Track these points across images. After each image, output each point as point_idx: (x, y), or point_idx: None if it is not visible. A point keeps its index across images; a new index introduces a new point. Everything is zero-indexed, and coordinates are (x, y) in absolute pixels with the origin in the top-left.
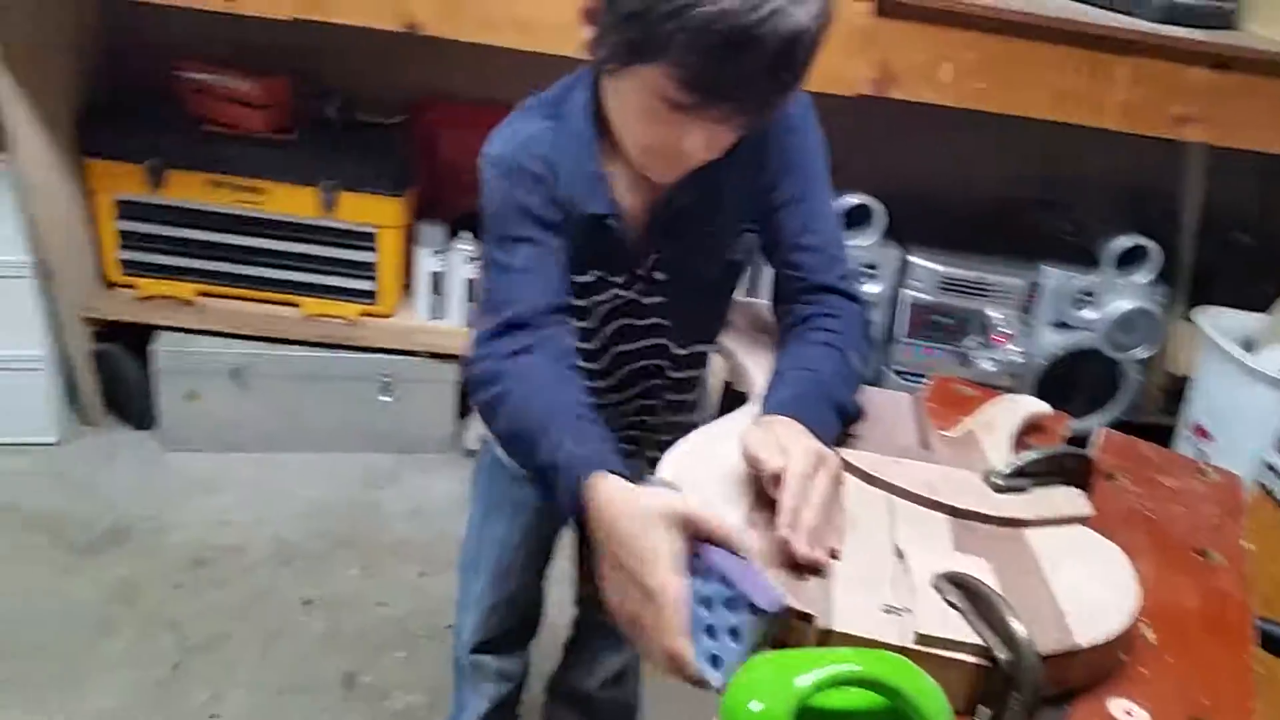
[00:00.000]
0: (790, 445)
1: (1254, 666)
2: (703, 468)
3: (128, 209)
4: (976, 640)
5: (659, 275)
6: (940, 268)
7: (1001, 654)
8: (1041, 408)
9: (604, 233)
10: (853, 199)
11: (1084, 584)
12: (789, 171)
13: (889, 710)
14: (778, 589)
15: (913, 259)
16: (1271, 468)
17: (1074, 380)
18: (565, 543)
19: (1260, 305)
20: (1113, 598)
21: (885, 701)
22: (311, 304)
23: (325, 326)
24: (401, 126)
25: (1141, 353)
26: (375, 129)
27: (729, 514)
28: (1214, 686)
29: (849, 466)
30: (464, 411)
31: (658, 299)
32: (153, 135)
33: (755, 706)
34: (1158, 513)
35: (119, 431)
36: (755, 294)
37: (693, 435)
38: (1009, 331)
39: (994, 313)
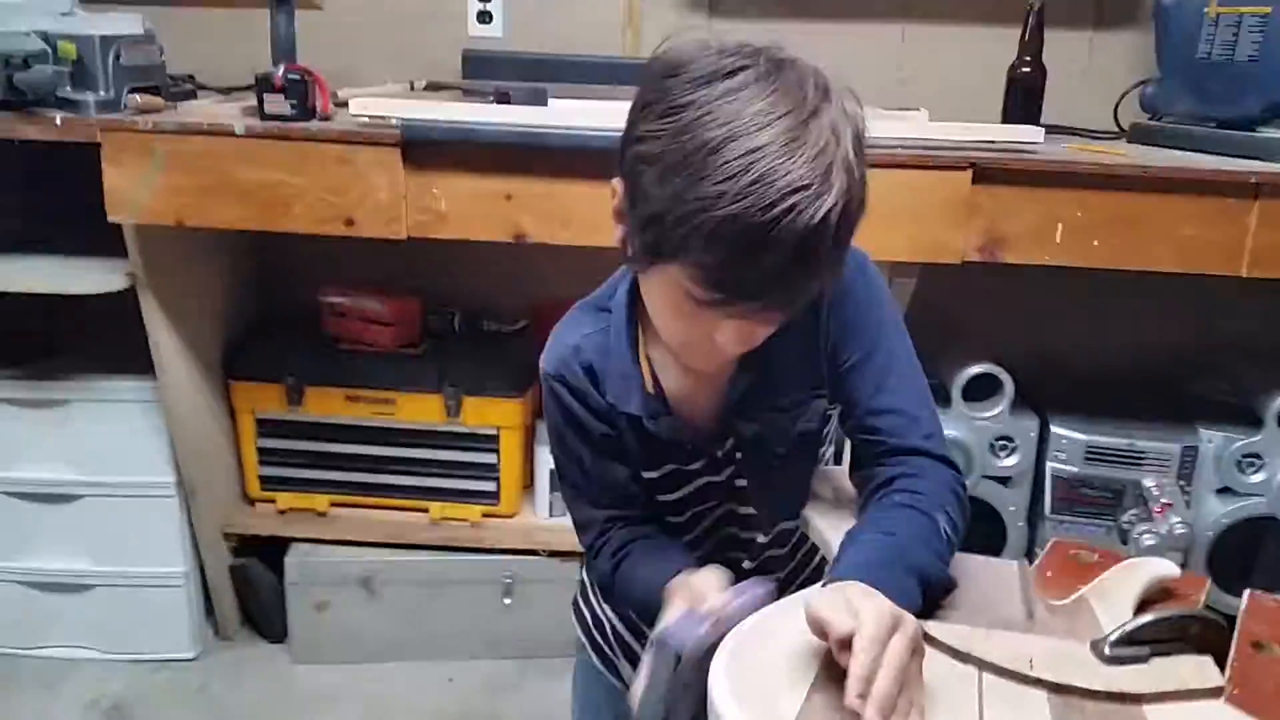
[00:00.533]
0: (862, 607)
1: None
2: (763, 646)
3: (268, 427)
4: None
5: (738, 455)
6: (1084, 436)
7: None
8: (1170, 569)
9: (660, 427)
10: (976, 369)
11: None
12: (852, 334)
13: None
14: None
15: (1054, 429)
16: None
17: (1250, 555)
18: None
19: None
20: None
21: None
22: (437, 508)
23: (450, 530)
24: (522, 332)
25: None
26: (497, 336)
27: (791, 699)
28: None
29: (932, 641)
30: None
31: (740, 481)
32: (293, 356)
33: None
34: None
35: (253, 645)
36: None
37: (760, 612)
38: (1168, 501)
39: (1150, 482)
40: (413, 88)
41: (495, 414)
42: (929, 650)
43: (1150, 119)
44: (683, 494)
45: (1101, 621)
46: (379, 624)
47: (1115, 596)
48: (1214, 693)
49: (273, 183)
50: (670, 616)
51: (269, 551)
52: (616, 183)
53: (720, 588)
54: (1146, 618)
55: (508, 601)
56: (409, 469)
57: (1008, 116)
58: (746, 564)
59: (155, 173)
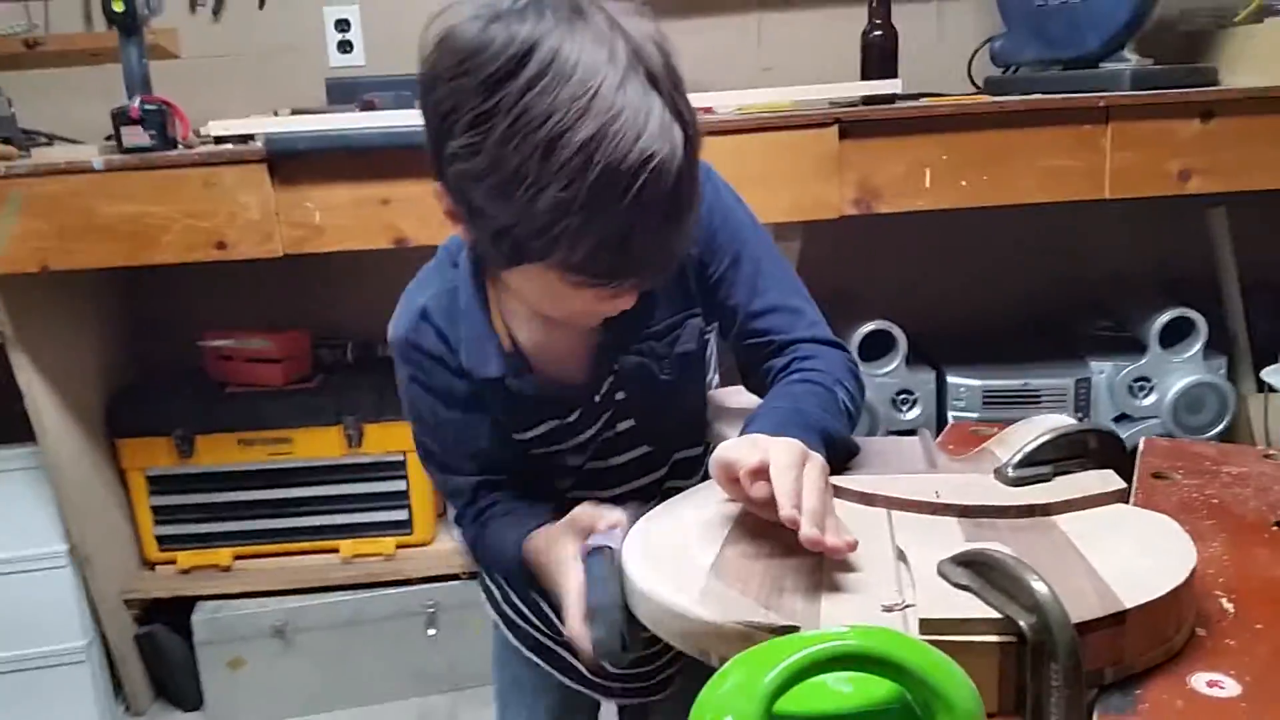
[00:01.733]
0: (769, 444)
1: None
2: (673, 522)
3: (160, 483)
4: (993, 614)
5: (619, 394)
6: (979, 382)
7: (1024, 621)
8: (1065, 421)
9: (520, 390)
10: (869, 326)
11: (1129, 555)
12: (715, 244)
13: (901, 705)
14: (614, 536)
15: (950, 378)
16: None
17: None
18: None
19: None
20: (1164, 561)
21: (896, 689)
22: (348, 546)
23: (364, 566)
24: None
25: (1215, 429)
26: (393, 362)
27: (705, 554)
28: None
29: (840, 491)
30: None
31: (628, 421)
32: (179, 406)
33: None
34: (1221, 497)
35: (168, 716)
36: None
37: (666, 501)
38: None
39: None
40: (276, 114)
41: (399, 438)
42: (836, 501)
43: (1002, 72)
44: (565, 448)
45: (1002, 461)
46: (299, 675)
47: (1013, 442)
48: (1118, 496)
49: (137, 215)
50: (572, 554)
51: (175, 614)
52: (439, 188)
53: (602, 512)
54: (1045, 436)
55: (433, 633)
56: (314, 508)
57: (866, 79)
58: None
59: (11, 219)
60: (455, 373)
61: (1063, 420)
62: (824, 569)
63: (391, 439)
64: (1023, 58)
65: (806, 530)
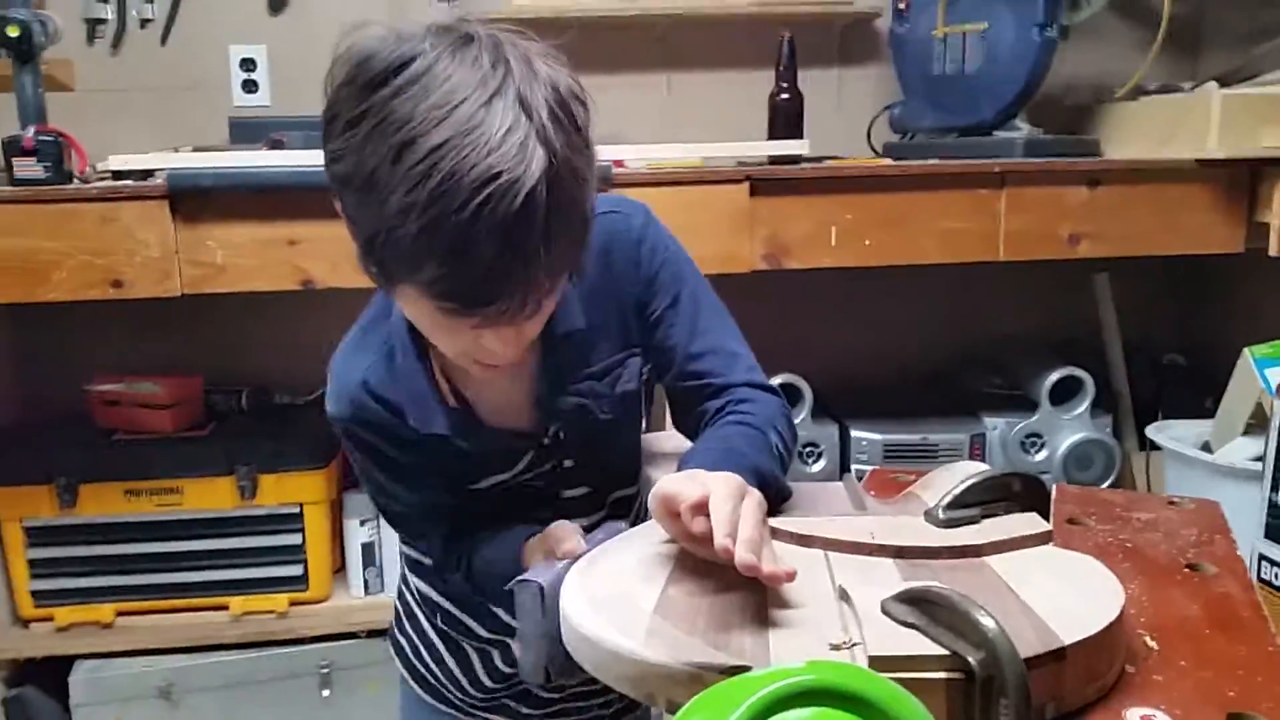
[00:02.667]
0: (708, 479)
1: None
2: (615, 562)
3: (38, 535)
4: (941, 651)
5: (561, 435)
6: (880, 436)
7: (972, 657)
8: (981, 467)
9: (472, 443)
10: (777, 380)
11: (1060, 593)
12: (655, 284)
13: None
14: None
15: (854, 432)
16: (1265, 558)
17: None
18: None
19: (1208, 417)
20: (1095, 600)
21: None
22: (239, 602)
23: (255, 624)
24: (317, 402)
25: (1103, 485)
26: (290, 409)
27: (648, 594)
28: (1241, 680)
29: (777, 533)
30: None
31: (567, 462)
32: (62, 453)
33: None
34: (1134, 541)
35: None
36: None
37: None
38: None
39: None
40: (177, 151)
41: (296, 490)
42: (775, 542)
43: (901, 138)
44: (517, 491)
45: (929, 505)
46: None
47: (938, 487)
48: (1044, 538)
49: (28, 250)
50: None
51: (50, 675)
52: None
53: (574, 533)
54: (972, 479)
55: (326, 694)
56: (204, 562)
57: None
58: None
59: None
60: (406, 440)
61: (980, 466)
62: (769, 607)
63: (287, 490)
64: (920, 124)
65: (741, 555)
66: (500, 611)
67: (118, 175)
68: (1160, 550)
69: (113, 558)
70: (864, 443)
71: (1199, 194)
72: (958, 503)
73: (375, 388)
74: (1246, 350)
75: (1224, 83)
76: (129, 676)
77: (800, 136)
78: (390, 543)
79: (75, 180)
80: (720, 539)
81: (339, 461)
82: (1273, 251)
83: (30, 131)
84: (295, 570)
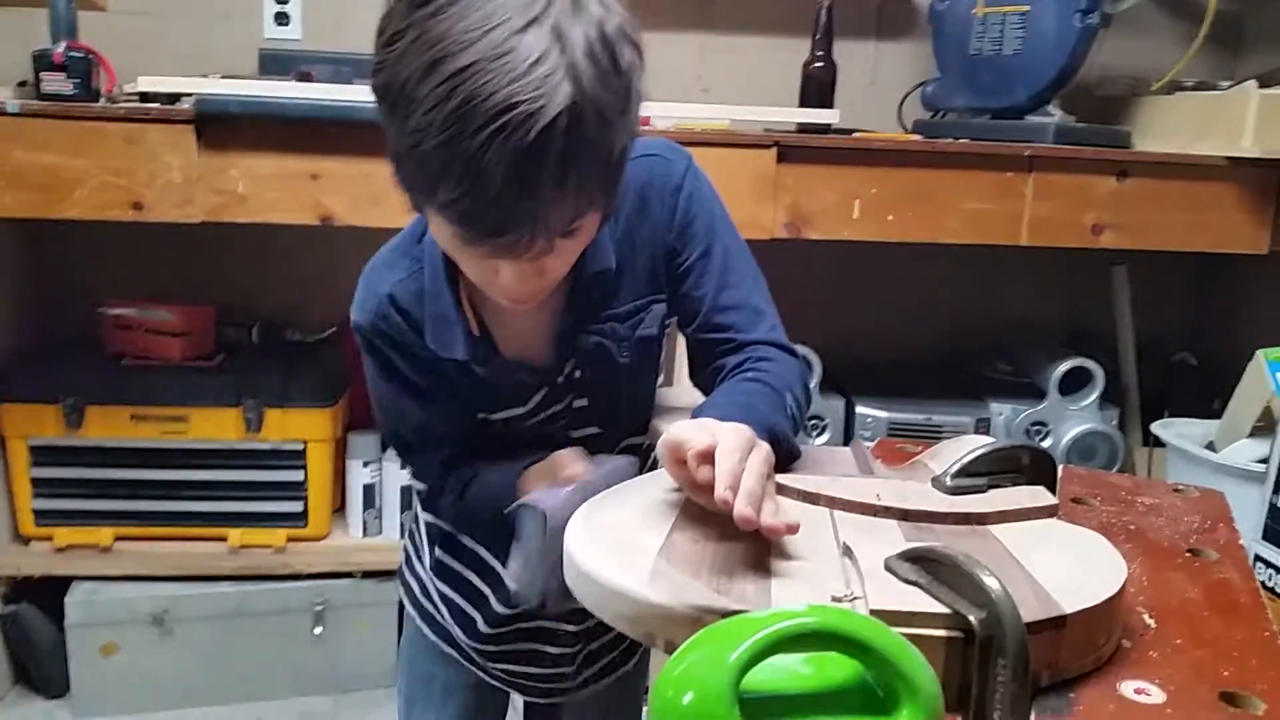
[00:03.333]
0: (718, 429)
1: None
2: (620, 506)
3: (43, 454)
4: (941, 609)
5: (578, 374)
6: (886, 414)
7: (973, 616)
8: (988, 441)
9: (486, 373)
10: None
11: (1062, 564)
12: (688, 233)
13: (861, 686)
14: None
15: (859, 408)
16: (1261, 559)
17: None
18: None
19: (1214, 417)
20: (1097, 572)
21: (856, 671)
22: (237, 534)
23: (252, 557)
24: (328, 341)
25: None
26: (301, 346)
27: (651, 539)
28: (1236, 661)
29: (783, 489)
30: None
31: (580, 401)
32: (71, 374)
33: (687, 699)
34: (1138, 524)
35: (28, 702)
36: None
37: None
38: None
39: None
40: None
41: (301, 427)
42: (780, 498)
43: (932, 116)
44: (525, 427)
45: (936, 472)
46: (175, 666)
47: (946, 456)
48: (1049, 511)
49: (52, 166)
50: (544, 486)
51: (46, 594)
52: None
53: (580, 458)
54: (981, 449)
55: (319, 631)
56: (205, 493)
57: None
58: None
59: None
60: (422, 358)
61: (987, 439)
62: (772, 558)
63: (293, 426)
64: (953, 104)
65: (740, 508)
66: (480, 551)
67: (145, 97)
68: (1163, 534)
69: (115, 482)
70: (869, 419)
71: (1228, 193)
72: (966, 471)
73: (401, 301)
74: (1260, 353)
75: (1264, 83)
76: (124, 601)
77: (831, 107)
78: (391, 486)
79: (102, 99)
80: (721, 490)
81: (345, 401)
82: None
83: (61, 47)
84: (295, 506)
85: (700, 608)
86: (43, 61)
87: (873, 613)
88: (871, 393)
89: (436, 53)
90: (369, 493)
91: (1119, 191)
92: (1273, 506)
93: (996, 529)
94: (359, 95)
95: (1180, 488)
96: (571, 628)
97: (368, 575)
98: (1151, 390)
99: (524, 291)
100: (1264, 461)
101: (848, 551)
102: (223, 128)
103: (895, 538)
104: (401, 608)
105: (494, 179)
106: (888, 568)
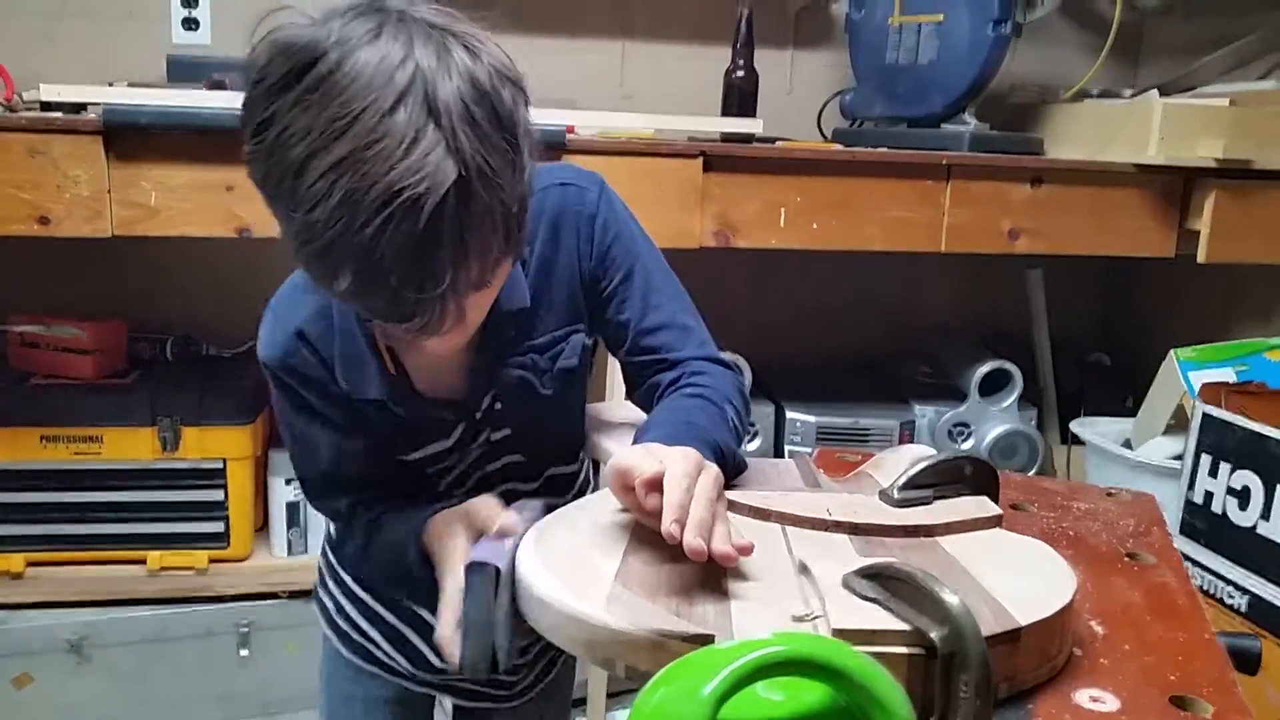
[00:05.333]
0: (665, 453)
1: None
2: (570, 531)
3: None
4: (903, 626)
5: (498, 406)
6: (815, 418)
7: (935, 632)
8: (928, 451)
9: (403, 412)
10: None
11: (1013, 576)
12: (608, 259)
13: (834, 710)
14: (500, 550)
15: (789, 413)
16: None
17: None
18: None
19: (1128, 415)
20: (1047, 583)
21: (827, 694)
22: (156, 557)
23: (172, 580)
24: (246, 355)
25: (1027, 474)
26: (217, 361)
27: (608, 564)
28: (1183, 666)
29: (734, 505)
30: None
31: (503, 431)
32: None
33: None
34: (1075, 529)
35: None
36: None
37: (556, 511)
38: None
39: None
40: (111, 86)
41: (220, 444)
42: (730, 515)
43: (851, 125)
44: (444, 464)
45: (882, 484)
46: (95, 695)
47: (889, 468)
48: (994, 521)
49: None
50: (461, 550)
51: None
52: None
53: (500, 508)
54: (925, 462)
55: (245, 654)
56: (121, 514)
57: (727, 116)
58: None
59: None
60: (335, 397)
61: (927, 450)
62: (729, 579)
63: (211, 444)
64: (870, 113)
65: (689, 540)
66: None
67: (46, 106)
68: (1101, 539)
69: (25, 505)
70: (799, 424)
71: (1136, 198)
72: (911, 483)
73: (311, 339)
74: (1173, 352)
75: (1163, 92)
76: (38, 629)
77: (754, 115)
78: None
79: (2, 108)
80: (668, 524)
81: (265, 418)
82: (1201, 258)
83: None
84: (216, 526)
85: (660, 632)
86: None
87: (835, 632)
88: (800, 398)
89: (306, 149)
90: (292, 511)
91: (1033, 198)
92: (1189, 502)
93: (945, 541)
94: None
95: (1112, 491)
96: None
97: (293, 595)
98: (1067, 389)
99: (449, 350)
100: (1178, 458)
101: (804, 569)
102: (133, 138)
103: (848, 553)
104: None
105: (392, 269)
106: (846, 585)
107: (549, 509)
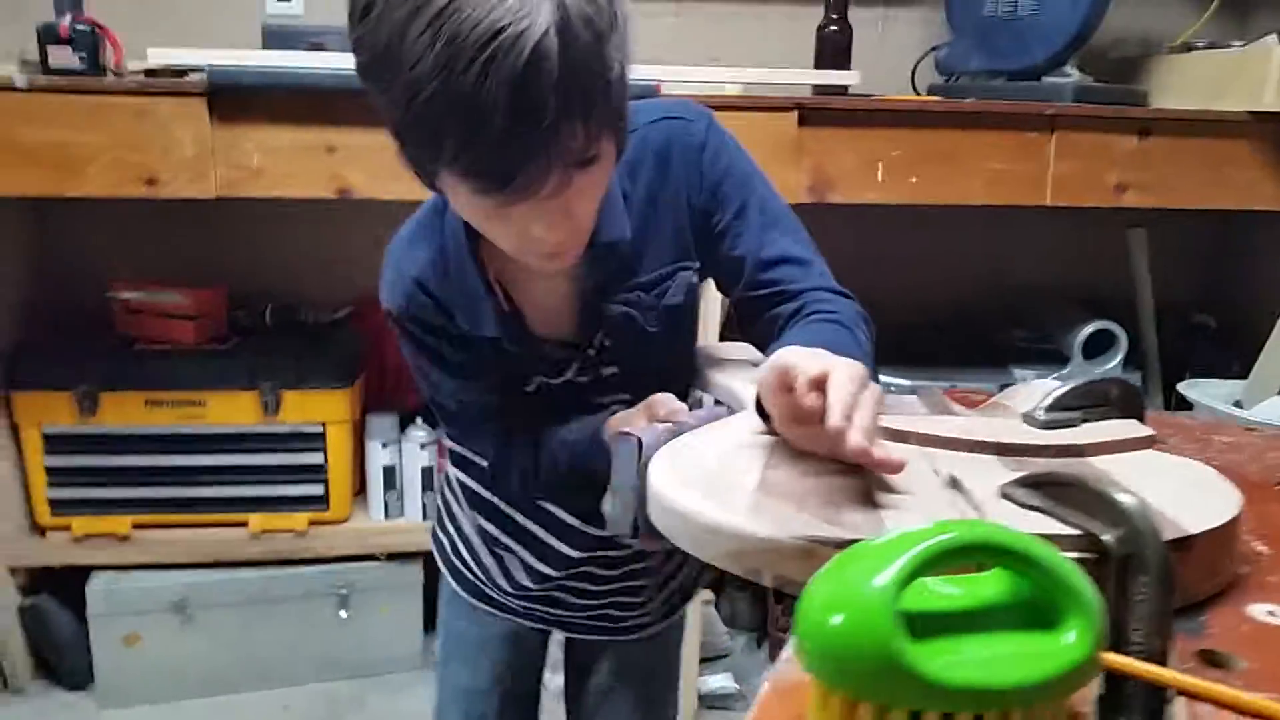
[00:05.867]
0: (831, 359)
1: None
2: (708, 446)
3: (58, 442)
4: (1071, 531)
5: (606, 343)
6: (910, 381)
7: (1109, 535)
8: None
9: (521, 348)
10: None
11: (1175, 490)
12: (720, 193)
13: (1019, 603)
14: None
15: (882, 376)
16: None
17: None
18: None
19: (1235, 378)
20: (1212, 497)
21: (1009, 588)
22: (258, 519)
23: (273, 542)
24: (344, 322)
25: None
26: (316, 327)
27: (748, 473)
28: None
29: None
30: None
31: (611, 368)
32: (83, 360)
33: (836, 620)
34: (1220, 461)
35: (50, 695)
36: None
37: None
38: None
39: None
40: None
41: (319, 408)
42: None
43: (947, 80)
44: (560, 403)
45: (1017, 412)
46: (198, 655)
47: (1023, 399)
48: (1147, 442)
49: (63, 142)
50: (641, 421)
51: (65, 585)
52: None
53: (676, 402)
54: (1071, 383)
55: (344, 615)
56: (223, 478)
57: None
58: None
59: None
60: (456, 337)
61: (1055, 384)
62: (876, 491)
63: (311, 408)
64: (967, 67)
65: (855, 439)
66: (551, 507)
67: (150, 74)
68: (1249, 469)
69: (131, 469)
70: (892, 387)
71: (1249, 150)
72: (1057, 405)
73: (428, 284)
74: None
75: None
76: (145, 590)
77: (849, 69)
78: (412, 467)
79: (110, 74)
80: (836, 419)
81: (363, 382)
82: None
83: (67, 19)
84: (316, 490)
85: (810, 538)
86: (48, 35)
87: None
88: (894, 360)
89: (409, 9)
90: (389, 474)
91: (1141, 150)
92: None
93: (1098, 461)
94: None
95: (1253, 427)
96: (608, 571)
97: (391, 558)
98: (1171, 353)
99: (555, 241)
100: None
101: (954, 483)
102: (236, 100)
103: (996, 471)
104: (427, 587)
105: (495, 113)
106: (1005, 495)
107: (725, 414)
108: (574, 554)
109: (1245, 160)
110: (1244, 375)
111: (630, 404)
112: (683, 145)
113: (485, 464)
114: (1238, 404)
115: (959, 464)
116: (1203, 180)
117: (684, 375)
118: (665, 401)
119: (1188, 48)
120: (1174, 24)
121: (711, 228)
